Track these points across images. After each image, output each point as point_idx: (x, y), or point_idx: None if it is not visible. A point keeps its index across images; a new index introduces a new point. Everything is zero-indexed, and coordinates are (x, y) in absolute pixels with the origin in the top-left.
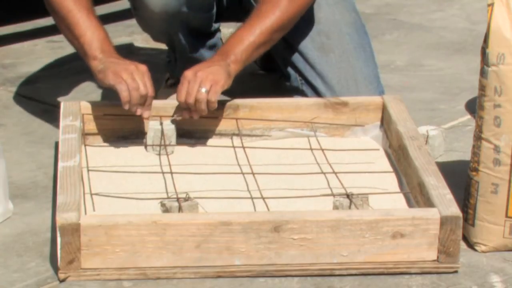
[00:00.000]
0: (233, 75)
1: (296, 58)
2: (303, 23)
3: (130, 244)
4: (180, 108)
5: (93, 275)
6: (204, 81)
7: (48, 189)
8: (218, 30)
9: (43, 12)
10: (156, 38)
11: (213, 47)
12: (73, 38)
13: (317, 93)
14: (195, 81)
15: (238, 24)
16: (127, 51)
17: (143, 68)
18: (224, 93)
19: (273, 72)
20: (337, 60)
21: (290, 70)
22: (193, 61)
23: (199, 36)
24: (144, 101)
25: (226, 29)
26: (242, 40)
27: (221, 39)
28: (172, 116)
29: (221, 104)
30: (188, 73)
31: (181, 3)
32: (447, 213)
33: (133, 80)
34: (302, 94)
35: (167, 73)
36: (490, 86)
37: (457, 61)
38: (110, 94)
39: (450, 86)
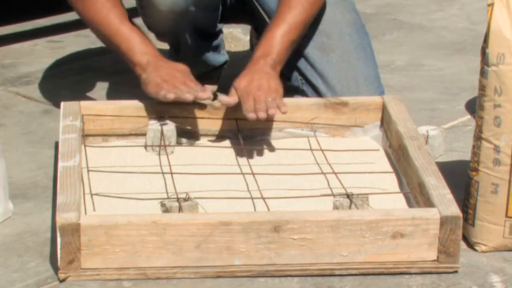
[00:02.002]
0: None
1: (297, 58)
2: None
3: (130, 244)
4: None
5: (93, 275)
6: (268, 92)
7: (48, 189)
8: (221, 31)
9: (43, 12)
10: (160, 38)
11: (216, 48)
12: (114, 47)
13: (318, 93)
14: (259, 95)
15: (239, 25)
16: None
17: (182, 68)
18: (224, 93)
19: None
20: (337, 60)
21: (290, 69)
22: (197, 62)
23: (204, 37)
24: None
25: (226, 29)
26: (280, 38)
27: (223, 40)
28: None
29: (221, 104)
30: (246, 87)
31: (189, 2)
32: (447, 213)
33: (174, 87)
34: (303, 93)
35: None
36: (490, 86)
37: (457, 61)
38: (110, 94)
39: (450, 86)
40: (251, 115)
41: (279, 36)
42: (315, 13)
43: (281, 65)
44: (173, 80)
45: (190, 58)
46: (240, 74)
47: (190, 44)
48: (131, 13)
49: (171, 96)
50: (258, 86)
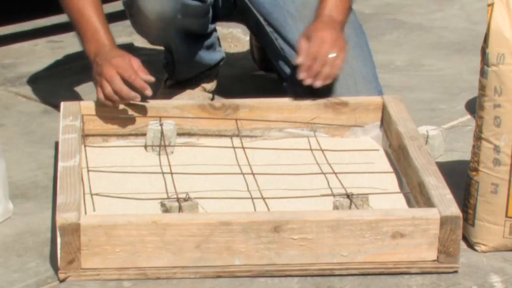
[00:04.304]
0: None
1: (295, 58)
2: (300, 23)
3: (130, 244)
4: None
5: (93, 275)
6: (333, 46)
7: (48, 189)
8: (214, 30)
9: (43, 12)
10: (153, 43)
11: (210, 47)
12: (76, 30)
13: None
14: (323, 43)
15: (239, 25)
16: (127, 51)
17: (125, 60)
18: (224, 93)
19: (272, 72)
20: None
21: (288, 70)
22: (192, 64)
23: (197, 39)
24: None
25: (226, 29)
26: (340, 5)
27: (218, 38)
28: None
29: (221, 104)
30: (313, 33)
31: (176, 11)
32: (447, 213)
33: (105, 81)
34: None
35: (165, 73)
36: (490, 86)
37: (457, 61)
38: None
39: (450, 86)
40: (303, 75)
41: (341, 4)
42: None
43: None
44: (104, 72)
45: (184, 61)
46: (311, 26)
47: (182, 48)
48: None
49: (102, 100)
50: (322, 35)
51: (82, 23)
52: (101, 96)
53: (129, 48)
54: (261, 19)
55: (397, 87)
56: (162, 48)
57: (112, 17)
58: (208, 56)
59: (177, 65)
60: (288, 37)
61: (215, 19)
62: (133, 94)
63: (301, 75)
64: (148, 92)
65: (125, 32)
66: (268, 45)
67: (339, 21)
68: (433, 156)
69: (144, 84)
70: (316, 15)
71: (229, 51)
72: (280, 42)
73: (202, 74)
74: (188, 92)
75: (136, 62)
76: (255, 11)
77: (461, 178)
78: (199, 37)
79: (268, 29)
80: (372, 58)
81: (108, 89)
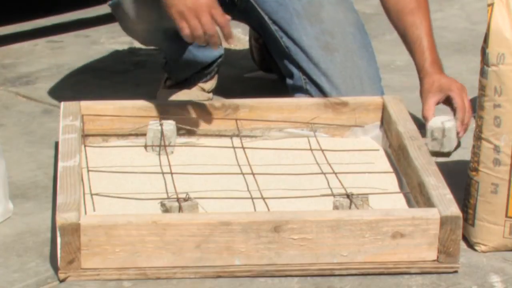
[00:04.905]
0: None
1: (300, 57)
2: (307, 22)
3: (130, 244)
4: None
5: (93, 275)
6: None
7: (48, 189)
8: None
9: (43, 12)
10: (145, 45)
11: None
12: None
13: (322, 92)
14: (463, 92)
15: (239, 25)
16: (127, 51)
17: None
18: (224, 93)
19: (272, 72)
20: (341, 59)
21: (293, 69)
22: (186, 62)
23: None
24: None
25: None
26: (434, 47)
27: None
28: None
29: (221, 104)
30: (459, 95)
31: (162, 13)
32: (447, 213)
33: (195, 19)
34: (306, 93)
35: (165, 73)
36: (490, 86)
37: (457, 61)
38: (110, 94)
39: None
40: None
41: (434, 46)
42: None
43: None
44: (197, 10)
45: (177, 60)
46: (429, 82)
47: (173, 48)
48: None
49: (188, 38)
50: (461, 90)
51: None
52: (189, 35)
53: (129, 48)
54: (266, 18)
55: (397, 87)
56: None
57: (111, 17)
58: (203, 54)
59: (172, 65)
60: (294, 35)
61: None
62: (219, 41)
63: (462, 133)
64: (231, 41)
65: (124, 33)
66: (273, 44)
67: (440, 63)
68: (450, 148)
69: (232, 32)
70: (422, 62)
71: (229, 51)
72: (285, 41)
73: (198, 73)
74: (184, 92)
75: (215, 3)
76: (259, 9)
77: (461, 178)
78: None
79: (273, 27)
80: (375, 59)
81: (200, 32)
